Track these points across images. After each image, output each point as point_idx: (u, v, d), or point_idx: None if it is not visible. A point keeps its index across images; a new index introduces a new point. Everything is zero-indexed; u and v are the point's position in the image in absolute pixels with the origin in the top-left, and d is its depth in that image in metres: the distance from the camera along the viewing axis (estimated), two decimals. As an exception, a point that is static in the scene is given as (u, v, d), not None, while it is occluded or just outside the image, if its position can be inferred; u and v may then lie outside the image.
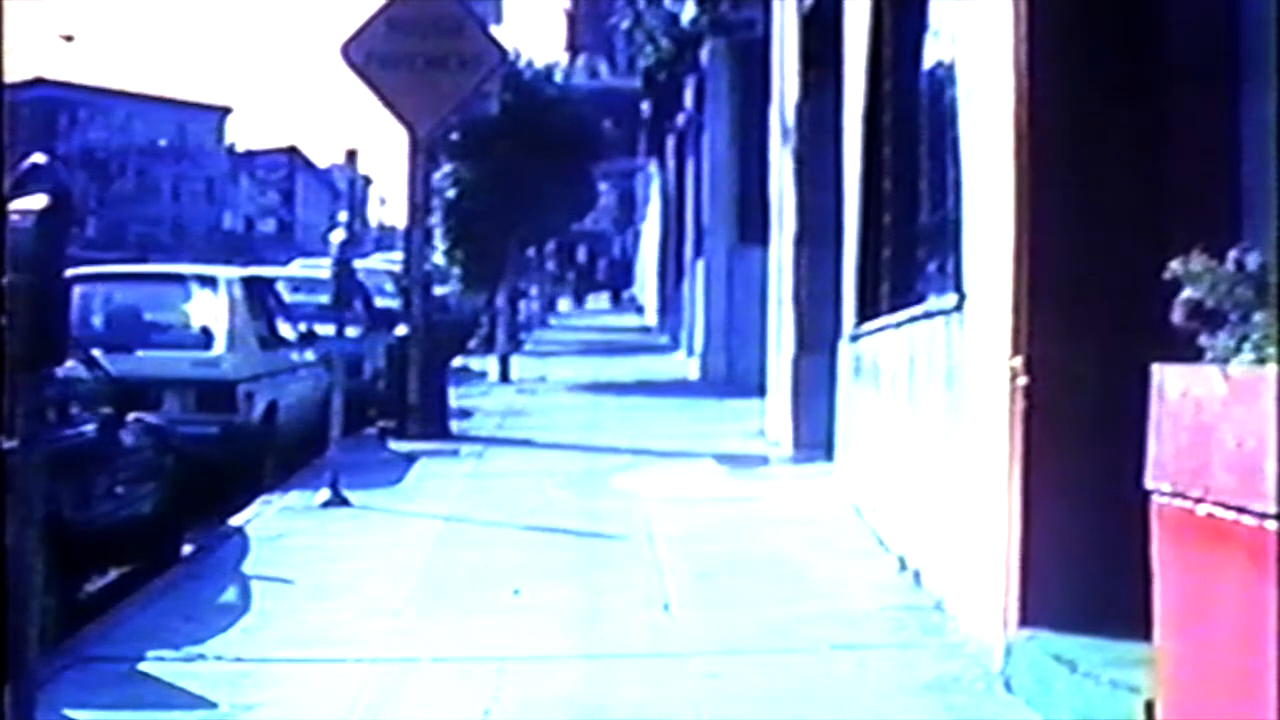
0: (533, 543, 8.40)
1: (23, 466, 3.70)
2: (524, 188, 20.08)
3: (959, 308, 6.18)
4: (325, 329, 12.15)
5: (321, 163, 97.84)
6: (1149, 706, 3.95)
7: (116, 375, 8.85)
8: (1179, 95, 5.15)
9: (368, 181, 76.94)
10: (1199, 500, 3.24)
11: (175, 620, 6.70)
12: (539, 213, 21.19)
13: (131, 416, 8.66)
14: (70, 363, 7.38)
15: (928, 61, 7.58)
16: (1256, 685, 3.00)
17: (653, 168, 30.80)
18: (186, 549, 8.90)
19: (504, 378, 20.26)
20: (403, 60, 14.15)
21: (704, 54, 19.03)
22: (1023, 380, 5.21)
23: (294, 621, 6.68)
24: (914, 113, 7.77)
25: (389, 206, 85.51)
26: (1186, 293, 3.41)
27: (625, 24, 20.42)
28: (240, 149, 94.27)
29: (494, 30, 15.69)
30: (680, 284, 22.15)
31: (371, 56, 14.14)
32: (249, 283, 13.13)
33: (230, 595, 7.29)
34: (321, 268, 17.07)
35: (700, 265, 19.79)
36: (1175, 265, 3.43)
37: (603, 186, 22.88)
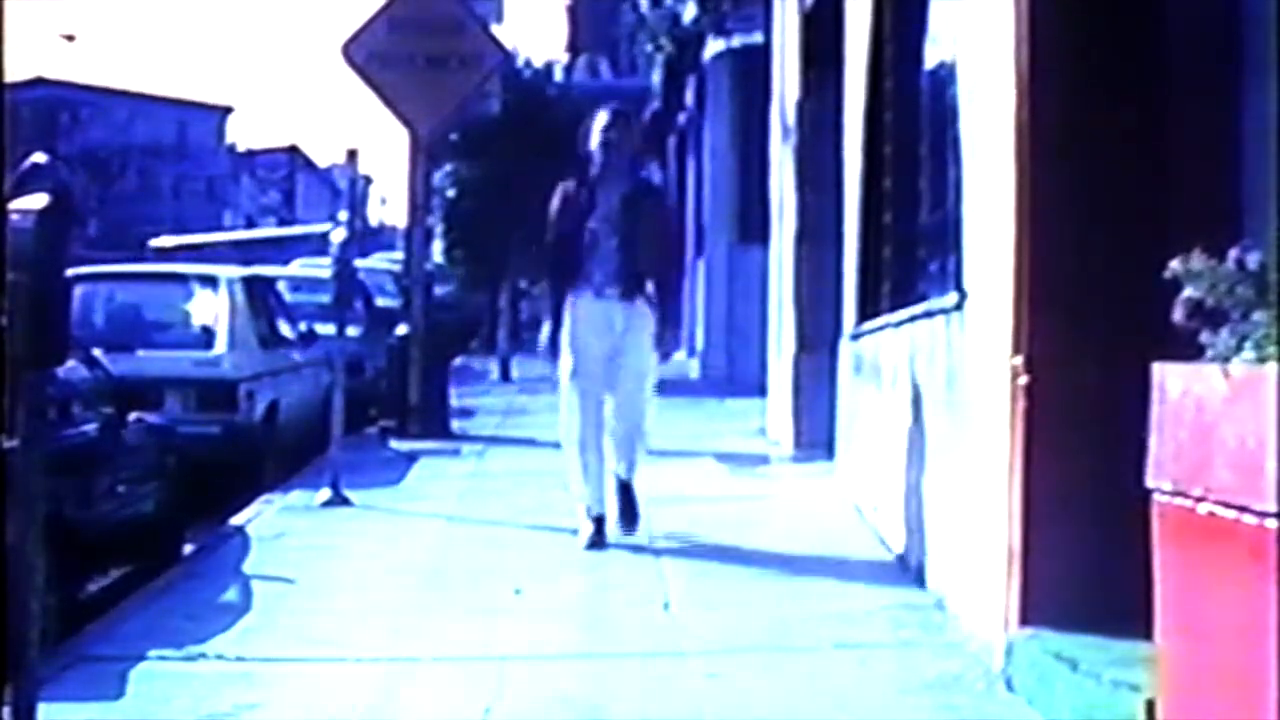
0: (533, 542, 8.40)
1: (24, 466, 3.71)
2: (525, 187, 20.07)
3: (959, 307, 6.19)
4: (326, 328, 12.16)
5: (322, 162, 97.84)
6: (1150, 705, 3.95)
7: (117, 374, 8.86)
8: (1179, 95, 5.15)
9: (368, 181, 76.91)
10: (1200, 499, 3.25)
11: (176, 619, 6.70)
12: (540, 212, 21.17)
13: (132, 416, 8.66)
14: (71, 362, 7.39)
15: (929, 61, 7.59)
16: (1257, 684, 3.00)
17: (653, 165, 30.82)
18: (187, 548, 8.91)
19: (505, 377, 20.27)
20: (403, 60, 14.16)
21: (705, 53, 19.03)
22: (1023, 379, 5.21)
23: (295, 621, 6.68)
24: (915, 112, 7.77)
25: (389, 206, 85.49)
26: (1187, 291, 3.41)
27: (627, 20, 20.36)
28: (241, 148, 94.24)
29: (495, 30, 15.71)
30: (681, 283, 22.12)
31: (372, 56, 14.15)
32: (250, 282, 13.14)
33: (231, 595, 7.30)
34: (322, 267, 17.07)
35: (701, 264, 19.78)
36: (1175, 264, 3.43)
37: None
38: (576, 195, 8.29)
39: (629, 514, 8.31)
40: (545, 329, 8.48)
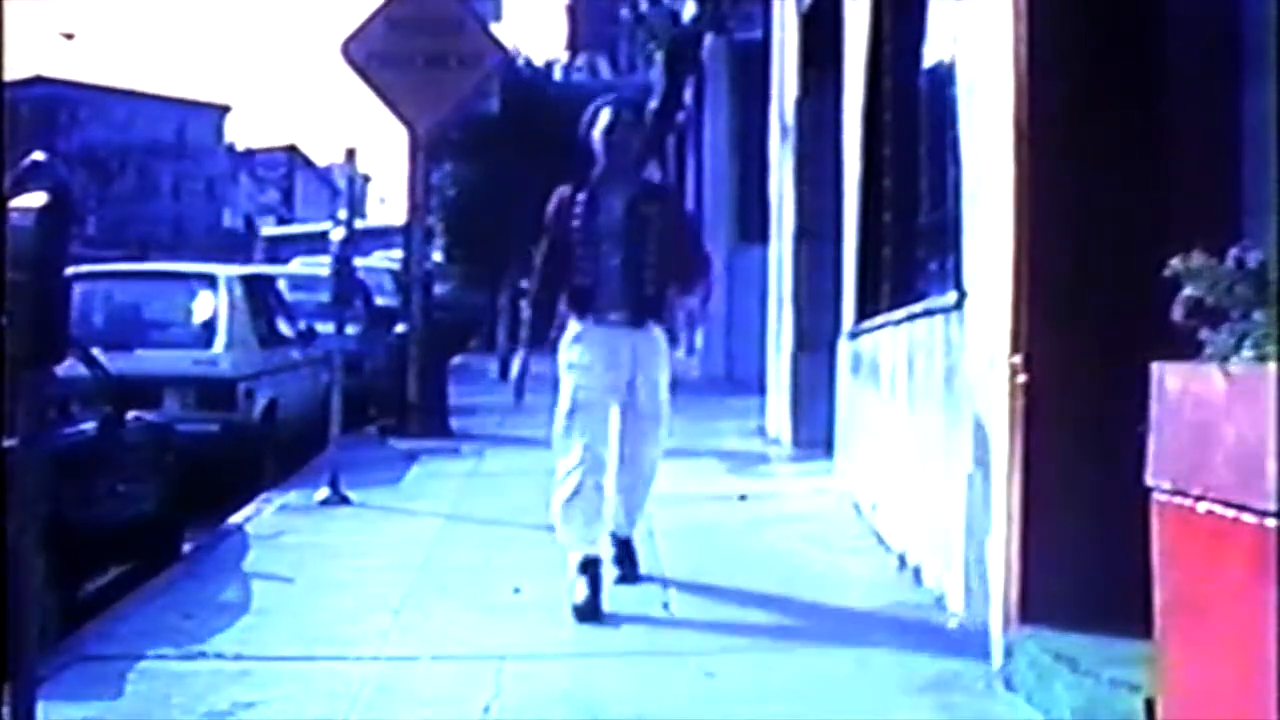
0: (533, 540, 8.38)
1: (23, 465, 3.70)
2: (524, 186, 20.09)
3: (958, 305, 6.19)
4: (325, 327, 12.16)
5: (321, 161, 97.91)
6: (1149, 704, 3.95)
7: (116, 373, 8.86)
8: (1179, 94, 5.15)
9: (367, 180, 76.91)
10: (1199, 498, 3.24)
11: (175, 618, 6.70)
12: (540, 210, 21.18)
13: (131, 415, 8.66)
14: (70, 361, 7.38)
15: (928, 60, 7.59)
16: (1256, 684, 3.00)
17: (653, 165, 30.83)
18: (186, 547, 8.91)
19: (504, 376, 20.26)
20: (403, 59, 14.16)
21: (704, 53, 19.04)
22: (1022, 378, 5.21)
23: (294, 619, 6.68)
24: (914, 111, 7.77)
25: (388, 205, 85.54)
26: (1186, 290, 3.41)
27: (626, 20, 20.35)
28: (240, 147, 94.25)
29: (493, 28, 15.70)
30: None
31: (372, 55, 14.16)
32: (249, 281, 13.15)
33: (230, 593, 7.30)
34: (322, 266, 17.07)
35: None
36: (1175, 263, 3.43)
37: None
38: (572, 202, 7.01)
39: (627, 563, 7.25)
40: (515, 363, 7.39)
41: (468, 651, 6.06)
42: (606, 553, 7.08)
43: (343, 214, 11.95)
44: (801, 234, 11.67)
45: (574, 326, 6.94)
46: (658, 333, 7.07)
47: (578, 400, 6.94)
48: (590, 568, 6.78)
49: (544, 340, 7.06)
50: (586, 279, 6.93)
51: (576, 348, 6.94)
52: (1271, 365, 3.08)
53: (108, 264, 16.68)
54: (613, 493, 7.11)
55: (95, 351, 8.76)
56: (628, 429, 7.11)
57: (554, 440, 7.08)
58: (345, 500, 9.84)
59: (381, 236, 26.22)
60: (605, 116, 7.05)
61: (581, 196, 7.00)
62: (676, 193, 7.15)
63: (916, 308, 7.20)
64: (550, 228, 7.10)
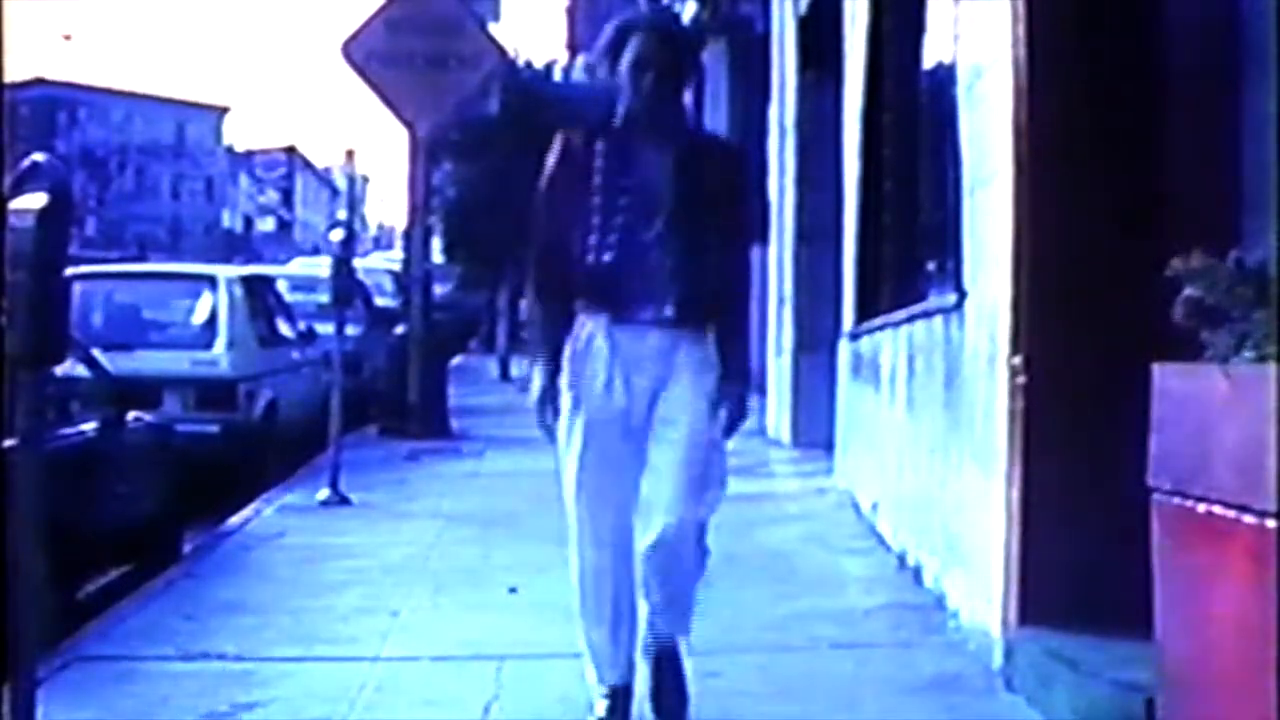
0: (532, 540, 8.38)
1: (23, 465, 3.70)
2: (524, 186, 20.07)
3: (958, 306, 6.18)
4: (325, 328, 12.17)
5: (320, 162, 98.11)
6: (1149, 705, 3.95)
7: (116, 374, 8.85)
8: (1179, 95, 5.15)
9: (366, 180, 76.98)
10: (1199, 499, 3.25)
11: (175, 619, 6.70)
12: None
13: (131, 415, 8.65)
14: (70, 361, 7.38)
15: (927, 61, 7.59)
16: (1257, 684, 3.00)
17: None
18: (186, 547, 8.91)
19: (504, 376, 20.28)
20: (403, 60, 14.17)
21: (704, 53, 19.03)
22: (1022, 379, 5.21)
23: (294, 620, 6.67)
24: (913, 112, 7.77)
25: (387, 205, 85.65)
26: (1187, 291, 3.41)
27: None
28: (239, 148, 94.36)
29: (491, 28, 15.72)
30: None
31: (372, 56, 14.17)
32: (249, 281, 13.16)
33: (230, 593, 7.29)
34: (321, 266, 17.08)
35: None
36: (1176, 263, 3.43)
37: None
38: (587, 153, 4.90)
39: (667, 692, 4.90)
40: (536, 379, 4.89)
41: (468, 651, 6.06)
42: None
43: (343, 214, 11.96)
44: (802, 234, 11.68)
45: (585, 326, 4.77)
46: (703, 339, 4.83)
47: (589, 440, 4.81)
48: (614, 695, 4.84)
49: (559, 346, 4.81)
50: (606, 258, 4.71)
51: (586, 357, 4.76)
52: (1271, 366, 3.08)
53: (107, 264, 16.69)
54: (644, 574, 4.85)
55: (95, 352, 8.76)
56: (657, 479, 4.87)
57: (565, 493, 4.99)
58: (345, 500, 9.85)
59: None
60: (637, 39, 4.85)
61: (600, 146, 4.89)
62: (740, 149, 5.32)
63: (916, 308, 7.20)
64: (549, 187, 4.97)
